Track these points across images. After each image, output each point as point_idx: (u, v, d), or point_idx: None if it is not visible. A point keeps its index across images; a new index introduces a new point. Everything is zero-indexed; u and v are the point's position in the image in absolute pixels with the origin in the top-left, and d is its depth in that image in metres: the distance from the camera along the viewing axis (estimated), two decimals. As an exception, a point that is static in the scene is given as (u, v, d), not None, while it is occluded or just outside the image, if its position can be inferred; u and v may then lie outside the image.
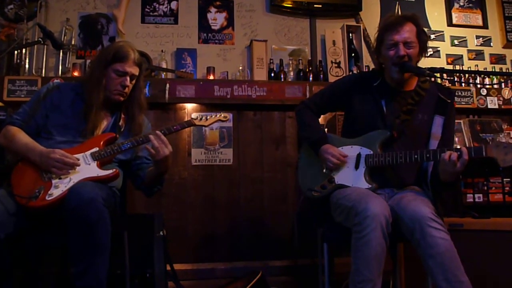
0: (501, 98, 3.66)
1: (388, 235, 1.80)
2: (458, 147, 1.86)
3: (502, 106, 3.64)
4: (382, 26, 2.11)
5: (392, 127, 2.10)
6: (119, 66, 2.05)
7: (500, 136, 3.44)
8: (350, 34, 3.77)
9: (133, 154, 2.16)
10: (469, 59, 3.99)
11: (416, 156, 1.95)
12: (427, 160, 1.98)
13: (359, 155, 2.11)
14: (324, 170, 2.20)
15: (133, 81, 2.13)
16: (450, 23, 4.06)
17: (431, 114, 2.12)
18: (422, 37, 2.09)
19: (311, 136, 2.27)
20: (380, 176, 2.09)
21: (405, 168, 2.09)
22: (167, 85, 3.25)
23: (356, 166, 2.11)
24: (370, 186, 2.04)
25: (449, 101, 2.12)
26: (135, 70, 2.10)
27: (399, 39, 2.03)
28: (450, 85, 3.62)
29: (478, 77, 3.76)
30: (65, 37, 3.43)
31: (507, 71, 3.90)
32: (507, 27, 4.07)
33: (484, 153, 1.79)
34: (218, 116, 2.21)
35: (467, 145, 3.45)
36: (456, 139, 3.44)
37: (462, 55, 3.98)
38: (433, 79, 2.28)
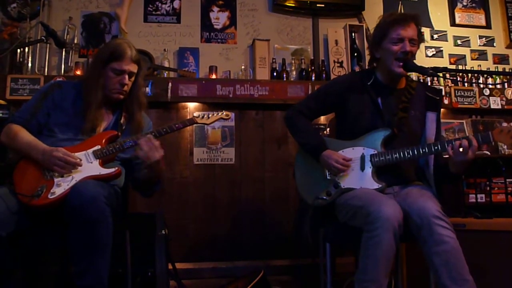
0: (504, 98, 3.65)
1: (400, 237, 1.80)
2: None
3: (505, 106, 3.63)
4: (388, 21, 2.11)
5: (391, 125, 2.11)
6: (116, 64, 2.03)
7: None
8: (353, 34, 3.76)
9: (134, 153, 2.16)
10: (472, 59, 3.98)
11: (424, 150, 1.96)
12: (435, 152, 1.97)
13: (363, 156, 2.09)
14: (328, 176, 2.16)
15: (132, 79, 2.12)
16: (453, 23, 4.05)
17: (423, 110, 2.16)
18: (421, 38, 2.16)
19: (309, 142, 2.22)
20: (385, 174, 2.08)
21: (406, 164, 2.11)
22: (169, 84, 3.25)
23: (362, 168, 2.08)
24: (380, 186, 2.02)
25: (437, 98, 2.21)
26: (133, 68, 2.08)
27: (406, 35, 2.06)
28: (453, 85, 3.62)
29: (481, 77, 3.76)
30: (68, 35, 3.43)
31: (510, 71, 3.88)
32: (511, 27, 4.06)
33: (491, 138, 1.83)
34: (220, 114, 2.19)
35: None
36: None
37: (465, 55, 3.98)
38: (421, 79, 2.24)
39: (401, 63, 2.07)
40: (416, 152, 1.98)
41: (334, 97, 2.25)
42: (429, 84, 3.56)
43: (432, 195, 1.97)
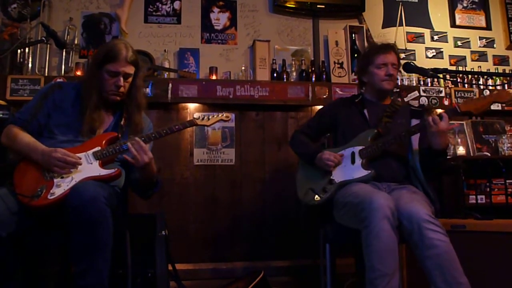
0: (504, 100, 3.65)
1: (396, 227, 1.84)
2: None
3: (505, 108, 3.62)
4: (373, 49, 2.48)
5: (377, 126, 2.35)
6: (111, 66, 2.02)
7: (503, 137, 3.44)
8: (353, 35, 3.76)
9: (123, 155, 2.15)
10: (472, 60, 3.98)
11: (403, 133, 2.23)
12: (414, 133, 2.26)
13: (353, 153, 2.29)
14: (323, 176, 2.31)
15: (129, 79, 2.10)
16: (453, 24, 4.05)
17: (408, 119, 2.41)
18: (400, 64, 2.48)
19: (306, 151, 2.46)
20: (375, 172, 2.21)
21: (396, 164, 2.28)
22: (170, 85, 3.25)
23: (352, 161, 2.27)
24: (369, 172, 2.20)
25: (421, 109, 2.48)
26: (128, 69, 2.06)
27: (388, 60, 2.38)
28: (453, 86, 3.62)
29: (481, 78, 3.76)
30: (68, 36, 3.44)
31: (510, 72, 3.88)
32: (511, 28, 4.06)
33: (459, 110, 2.16)
34: (220, 115, 2.20)
35: (470, 147, 3.46)
36: (459, 140, 3.44)
37: (465, 56, 3.98)
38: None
39: (389, 81, 2.38)
40: (398, 137, 2.22)
41: (327, 117, 2.55)
42: (429, 85, 3.60)
43: (422, 198, 2.02)
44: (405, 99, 3.38)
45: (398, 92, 2.83)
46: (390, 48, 2.44)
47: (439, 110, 3.63)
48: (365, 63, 2.46)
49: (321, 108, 2.71)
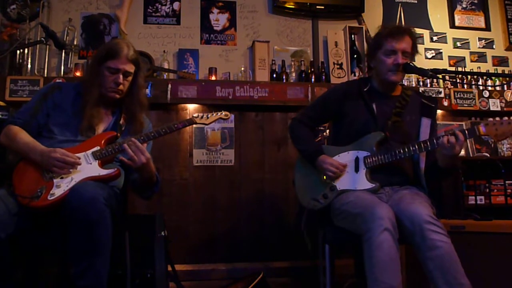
0: (503, 100, 3.66)
1: (397, 240, 1.80)
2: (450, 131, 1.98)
3: (504, 108, 3.64)
4: (384, 32, 2.19)
5: (384, 128, 2.17)
6: (111, 63, 2.03)
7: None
8: (353, 36, 3.76)
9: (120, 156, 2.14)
10: (472, 61, 3.99)
11: (414, 148, 2.02)
12: (425, 150, 2.03)
13: (357, 159, 2.16)
14: (325, 178, 2.21)
15: (129, 78, 2.10)
16: (452, 25, 4.06)
17: (418, 116, 2.23)
18: (415, 51, 2.22)
19: (307, 148, 2.30)
20: (378, 176, 2.12)
21: (402, 166, 2.16)
22: (169, 86, 3.25)
23: (356, 169, 2.15)
24: (373, 185, 2.07)
25: (433, 105, 2.28)
26: (128, 67, 2.06)
27: (399, 47, 2.13)
28: (452, 87, 3.62)
29: (480, 79, 3.76)
30: (68, 37, 3.44)
31: (510, 73, 3.89)
32: (510, 29, 4.07)
33: (477, 132, 1.92)
34: (219, 114, 2.19)
35: (470, 148, 3.46)
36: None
37: (464, 57, 3.98)
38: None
39: (395, 73, 2.15)
40: (407, 151, 2.03)
41: (331, 105, 2.33)
42: (428, 86, 3.59)
43: (424, 199, 1.98)
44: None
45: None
46: (403, 32, 2.16)
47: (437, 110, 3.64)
48: (374, 46, 2.22)
49: (325, 96, 2.40)
